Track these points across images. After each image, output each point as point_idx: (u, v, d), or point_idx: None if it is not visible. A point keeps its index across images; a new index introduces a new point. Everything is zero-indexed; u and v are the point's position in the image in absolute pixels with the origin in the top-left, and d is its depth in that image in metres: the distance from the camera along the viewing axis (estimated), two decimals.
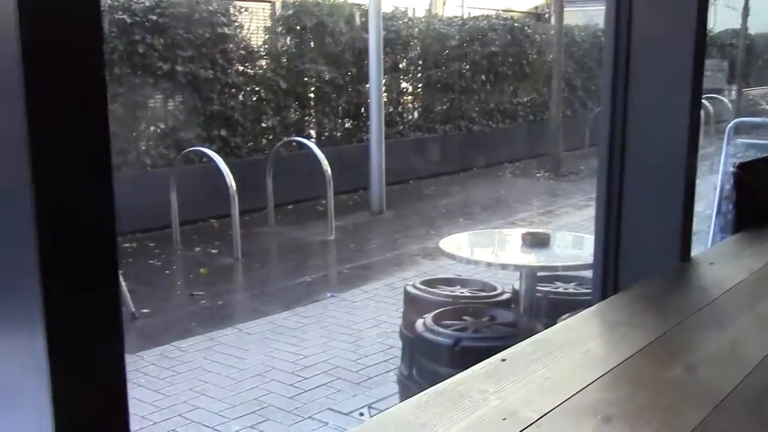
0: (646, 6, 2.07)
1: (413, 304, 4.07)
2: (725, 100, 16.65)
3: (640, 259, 2.18)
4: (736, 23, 17.96)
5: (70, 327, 0.81)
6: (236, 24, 9.14)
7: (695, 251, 2.19)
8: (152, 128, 8.53)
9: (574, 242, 4.63)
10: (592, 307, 1.70)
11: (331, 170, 7.85)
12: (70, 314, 0.80)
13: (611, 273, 2.25)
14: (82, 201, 0.81)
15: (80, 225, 0.81)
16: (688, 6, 1.98)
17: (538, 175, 12.12)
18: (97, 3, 0.82)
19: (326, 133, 10.41)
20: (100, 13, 0.83)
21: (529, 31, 13.79)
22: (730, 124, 6.27)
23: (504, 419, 1.13)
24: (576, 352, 1.39)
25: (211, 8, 8.70)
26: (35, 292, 0.78)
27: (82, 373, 0.82)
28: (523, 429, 1.11)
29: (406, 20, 11.47)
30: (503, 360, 1.35)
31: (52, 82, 0.78)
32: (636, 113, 2.14)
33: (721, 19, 19.43)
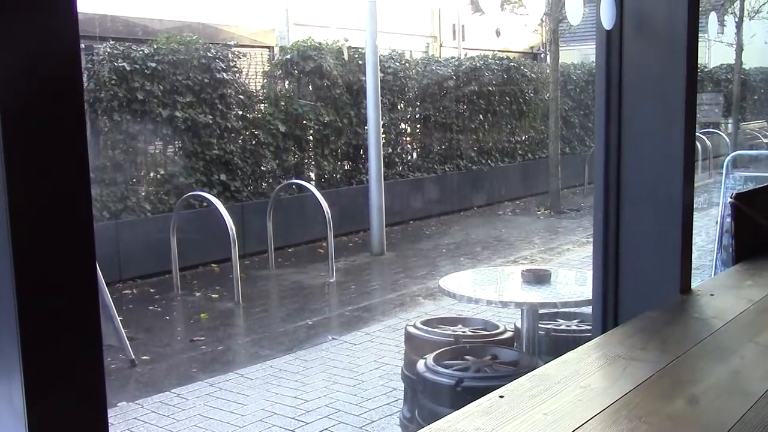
0: (636, 44, 2.08)
1: (414, 345, 4.03)
2: (722, 134, 16.72)
3: (640, 292, 2.16)
4: (730, 58, 18.11)
5: (48, 366, 0.79)
6: (235, 69, 9.22)
7: (696, 283, 2.17)
8: (152, 174, 8.56)
9: (576, 279, 4.60)
10: (592, 341, 1.67)
11: (331, 212, 7.85)
12: (47, 354, 0.78)
13: (611, 307, 2.23)
14: (62, 237, 0.80)
15: (59, 260, 0.80)
16: (678, 42, 1.99)
17: (538, 213, 12.12)
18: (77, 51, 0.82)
19: (326, 176, 10.44)
20: (80, 68, 0.82)
21: (525, 70, 13.91)
22: (728, 158, 6.29)
23: None
24: (575, 386, 1.36)
25: (209, 54, 8.79)
26: (12, 332, 0.76)
27: (60, 408, 0.80)
28: None
29: (403, 62, 11.58)
30: (501, 397, 1.32)
31: (30, 120, 0.77)
32: (630, 148, 2.14)
33: (715, 54, 19.62)
